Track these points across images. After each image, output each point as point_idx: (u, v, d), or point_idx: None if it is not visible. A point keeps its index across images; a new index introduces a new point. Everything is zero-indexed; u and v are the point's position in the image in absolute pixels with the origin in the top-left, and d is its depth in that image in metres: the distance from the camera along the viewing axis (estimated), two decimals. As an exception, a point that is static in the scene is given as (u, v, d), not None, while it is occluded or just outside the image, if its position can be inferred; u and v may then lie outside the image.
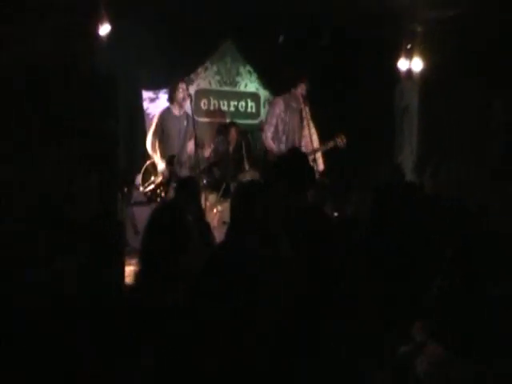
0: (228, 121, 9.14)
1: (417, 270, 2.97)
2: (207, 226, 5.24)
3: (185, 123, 7.33)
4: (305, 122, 7.51)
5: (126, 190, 7.25)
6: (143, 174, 7.36)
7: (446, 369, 1.94)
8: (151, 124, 7.79)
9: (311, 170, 5.28)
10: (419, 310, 2.56)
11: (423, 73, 8.91)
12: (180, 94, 7.34)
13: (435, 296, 2.58)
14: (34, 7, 3.84)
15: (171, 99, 7.49)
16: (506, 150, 7.82)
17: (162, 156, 7.25)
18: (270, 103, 8.46)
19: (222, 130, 8.64)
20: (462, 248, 2.77)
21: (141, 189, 7.31)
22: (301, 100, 7.48)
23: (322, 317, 2.43)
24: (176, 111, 7.40)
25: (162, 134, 7.34)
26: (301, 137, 7.55)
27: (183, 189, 5.33)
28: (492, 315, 2.41)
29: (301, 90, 7.47)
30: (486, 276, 2.59)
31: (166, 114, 7.43)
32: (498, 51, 7.73)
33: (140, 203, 7.33)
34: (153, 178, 7.23)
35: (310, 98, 7.67)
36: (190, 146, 7.36)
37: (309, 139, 7.46)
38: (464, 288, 2.58)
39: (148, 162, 7.43)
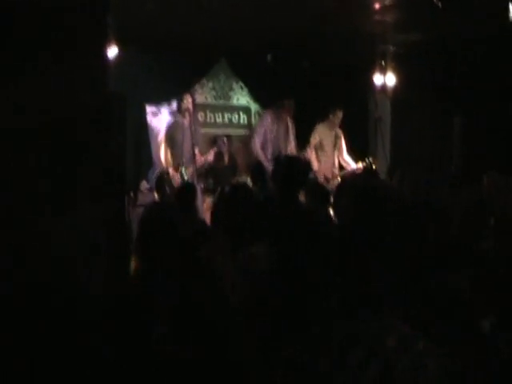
0: (222, 132, 9.36)
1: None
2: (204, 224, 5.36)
3: (193, 130, 7.42)
4: (290, 137, 7.69)
5: (132, 194, 7.41)
6: (158, 182, 7.43)
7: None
8: (156, 136, 7.95)
9: (302, 173, 5.18)
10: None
11: (395, 87, 9.10)
12: (186, 104, 7.44)
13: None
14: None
15: (179, 109, 7.59)
16: (464, 159, 8.09)
17: (175, 166, 7.39)
18: (261, 115, 8.63)
19: (218, 140, 8.85)
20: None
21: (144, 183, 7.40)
22: (287, 114, 7.65)
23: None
24: (184, 120, 7.47)
25: (171, 142, 7.46)
26: (286, 146, 7.71)
27: (181, 193, 5.44)
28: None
29: (288, 105, 7.63)
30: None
31: (174, 124, 7.56)
32: (458, 72, 7.97)
33: (144, 206, 7.46)
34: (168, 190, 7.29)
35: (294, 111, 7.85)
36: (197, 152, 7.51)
37: (293, 148, 7.72)
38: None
39: (159, 173, 7.57)
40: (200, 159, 7.51)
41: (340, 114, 8.25)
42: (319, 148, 8.01)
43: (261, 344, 2.21)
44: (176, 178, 7.24)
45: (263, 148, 7.73)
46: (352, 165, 8.36)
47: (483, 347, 2.44)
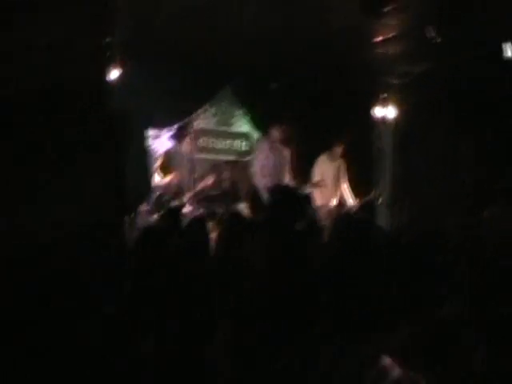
0: (223, 158, 9.41)
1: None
2: None
3: (193, 156, 7.50)
4: (285, 162, 7.70)
5: (132, 216, 7.43)
6: (156, 202, 7.47)
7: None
8: (157, 159, 7.97)
9: (300, 204, 5.21)
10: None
11: (397, 119, 9.15)
12: (186, 130, 7.40)
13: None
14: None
15: (180, 134, 7.60)
16: (472, 187, 8.08)
17: (170, 191, 7.34)
18: (258, 144, 8.66)
19: (218, 167, 8.92)
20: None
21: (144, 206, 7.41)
22: (279, 142, 7.68)
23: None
24: (184, 145, 7.43)
25: (169, 166, 7.44)
26: (284, 174, 7.71)
27: (169, 216, 5.44)
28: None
29: (274, 133, 7.65)
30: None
31: (173, 149, 7.51)
32: (461, 101, 8.02)
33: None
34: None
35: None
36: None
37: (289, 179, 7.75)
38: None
39: (158, 193, 7.55)
40: (199, 184, 7.48)
41: (341, 147, 8.25)
42: (321, 183, 8.02)
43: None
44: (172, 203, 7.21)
45: (262, 176, 7.72)
46: (349, 199, 8.37)
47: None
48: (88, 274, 3.27)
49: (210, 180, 7.53)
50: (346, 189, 8.45)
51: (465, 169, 8.36)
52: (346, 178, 8.45)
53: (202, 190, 7.65)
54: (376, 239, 3.58)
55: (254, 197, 7.40)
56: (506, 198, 5.77)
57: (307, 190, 7.86)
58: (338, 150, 8.25)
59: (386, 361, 1.88)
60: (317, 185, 7.89)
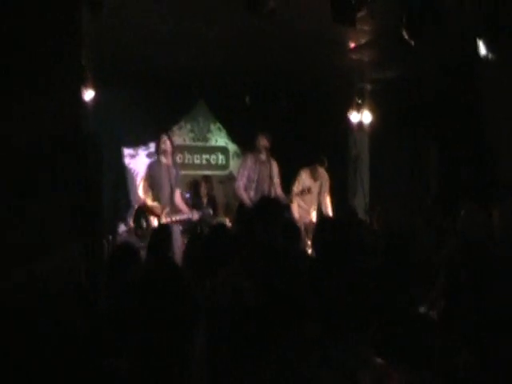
0: (200, 173, 9.33)
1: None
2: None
3: (174, 172, 7.13)
4: (273, 174, 7.59)
5: (110, 237, 7.28)
6: (135, 216, 7.27)
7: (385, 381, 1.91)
8: (134, 178, 7.85)
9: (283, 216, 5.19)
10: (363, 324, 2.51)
11: (372, 124, 9.15)
12: (164, 146, 7.10)
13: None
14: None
15: (157, 151, 7.38)
16: (441, 188, 8.13)
17: (152, 209, 7.17)
18: (242, 157, 8.51)
19: (195, 183, 8.80)
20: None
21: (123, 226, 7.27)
22: (265, 152, 7.56)
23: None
24: (163, 161, 7.23)
25: (151, 183, 7.15)
26: (270, 186, 7.60)
27: (156, 235, 5.31)
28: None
29: (262, 141, 7.55)
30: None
31: (154, 164, 7.33)
32: (433, 106, 8.06)
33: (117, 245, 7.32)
34: (144, 223, 7.13)
35: (274, 150, 7.79)
36: (177, 194, 7.28)
37: (279, 190, 7.66)
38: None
39: (137, 206, 7.40)
40: (180, 203, 7.30)
41: (323, 167, 8.15)
42: (300, 196, 7.92)
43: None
44: (151, 218, 7.04)
45: (246, 190, 7.61)
46: (329, 211, 8.30)
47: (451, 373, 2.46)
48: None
49: (195, 216, 7.30)
50: (327, 203, 8.35)
51: (434, 172, 8.42)
52: (328, 192, 8.36)
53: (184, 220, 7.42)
54: (357, 241, 3.65)
55: (239, 211, 7.31)
56: (475, 198, 5.82)
57: (292, 200, 7.77)
58: (321, 169, 8.13)
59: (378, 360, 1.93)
60: (301, 194, 7.80)
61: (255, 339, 2.62)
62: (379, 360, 1.92)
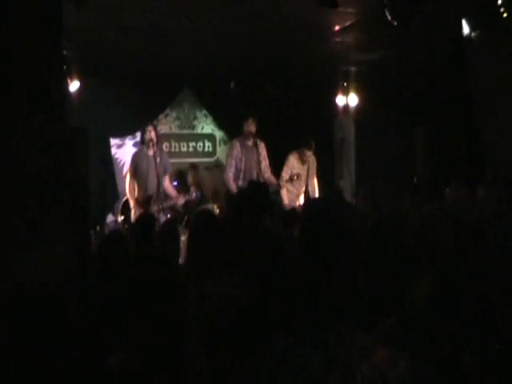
0: (187, 161, 9.31)
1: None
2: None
3: (158, 160, 7.08)
4: (261, 158, 7.57)
5: (98, 227, 7.25)
6: (122, 209, 7.28)
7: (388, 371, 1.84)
8: (121, 168, 7.78)
9: (267, 199, 5.10)
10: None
11: (358, 107, 9.13)
12: (149, 135, 7.10)
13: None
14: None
15: (142, 141, 7.32)
16: (426, 169, 8.16)
17: (138, 199, 7.19)
18: (229, 146, 8.46)
19: (182, 171, 8.77)
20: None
21: (119, 218, 7.25)
22: (252, 137, 7.52)
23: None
24: (148, 151, 7.18)
25: (136, 173, 7.18)
26: (259, 172, 7.56)
27: (141, 224, 5.28)
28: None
29: (249, 127, 7.52)
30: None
31: (139, 154, 7.30)
32: (418, 87, 8.06)
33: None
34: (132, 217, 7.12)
35: (261, 134, 7.76)
36: (166, 180, 7.30)
37: (268, 174, 7.66)
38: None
39: (125, 198, 7.37)
40: (168, 187, 7.28)
41: (311, 149, 8.12)
42: (289, 181, 7.91)
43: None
44: (137, 211, 7.01)
45: (236, 178, 7.58)
46: (316, 194, 8.31)
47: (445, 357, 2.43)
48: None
49: (181, 200, 7.28)
50: (314, 186, 8.37)
51: (421, 154, 8.45)
52: (315, 175, 8.37)
53: (171, 206, 7.39)
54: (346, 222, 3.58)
55: (227, 198, 7.29)
56: (461, 177, 5.85)
57: (281, 185, 7.75)
58: (308, 153, 8.11)
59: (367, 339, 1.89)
60: (290, 181, 7.79)
61: (251, 335, 2.61)
62: (380, 353, 1.84)
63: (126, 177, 7.50)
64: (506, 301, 2.75)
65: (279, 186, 7.73)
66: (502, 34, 5.96)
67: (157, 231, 4.94)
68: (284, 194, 7.99)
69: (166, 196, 7.17)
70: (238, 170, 7.60)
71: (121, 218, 7.22)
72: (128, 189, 7.19)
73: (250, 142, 7.55)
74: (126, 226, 6.98)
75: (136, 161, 7.21)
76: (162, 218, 6.69)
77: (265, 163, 7.67)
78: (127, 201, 7.21)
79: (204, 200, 8.26)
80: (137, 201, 7.10)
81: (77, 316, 2.69)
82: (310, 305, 1.95)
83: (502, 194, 5.16)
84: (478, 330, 2.56)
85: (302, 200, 8.20)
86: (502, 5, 5.56)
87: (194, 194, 7.40)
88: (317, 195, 8.31)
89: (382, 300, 2.77)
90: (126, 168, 8.11)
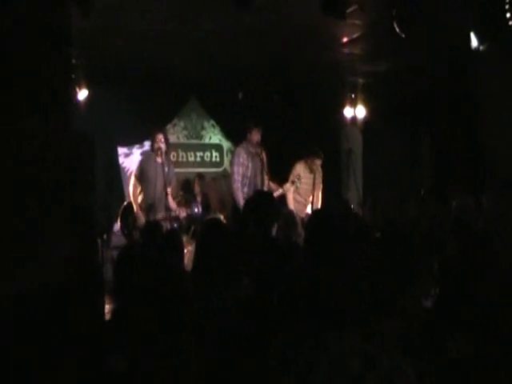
0: (194, 170, 9.31)
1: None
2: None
3: (166, 169, 7.01)
4: (265, 166, 7.57)
5: (105, 236, 7.22)
6: (122, 214, 7.30)
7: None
8: (129, 177, 7.76)
9: (275, 206, 4.97)
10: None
11: (365, 118, 9.13)
12: (158, 144, 7.08)
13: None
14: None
15: (152, 149, 7.30)
16: (432, 179, 8.14)
17: (141, 205, 7.17)
18: (233, 154, 8.47)
19: (189, 181, 8.78)
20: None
21: (118, 225, 7.24)
22: (257, 146, 7.52)
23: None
24: (157, 158, 7.13)
25: (143, 178, 7.15)
26: (263, 179, 7.56)
27: (148, 233, 5.27)
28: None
29: (255, 135, 7.51)
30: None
31: (147, 160, 7.27)
32: (425, 97, 8.05)
33: (119, 247, 7.29)
34: (131, 222, 7.11)
35: (266, 144, 7.75)
36: (169, 191, 7.21)
37: (268, 181, 7.65)
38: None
39: (125, 202, 7.37)
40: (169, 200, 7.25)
41: (319, 160, 8.12)
42: (292, 185, 7.89)
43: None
44: (140, 216, 7.01)
45: (242, 186, 7.56)
46: (319, 204, 8.29)
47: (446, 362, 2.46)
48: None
49: (182, 213, 7.27)
50: (319, 196, 8.34)
51: (427, 165, 8.44)
52: (321, 185, 8.34)
53: (176, 216, 7.37)
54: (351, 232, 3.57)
55: (233, 208, 7.30)
56: (466, 187, 5.84)
57: (284, 190, 7.74)
58: (317, 162, 8.10)
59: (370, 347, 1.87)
60: (292, 184, 7.77)
61: (254, 338, 2.60)
62: (386, 360, 1.83)
63: (130, 182, 7.50)
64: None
65: (281, 189, 7.71)
66: (510, 46, 5.96)
67: (159, 239, 4.93)
68: (290, 202, 7.96)
69: (168, 207, 7.15)
70: (243, 178, 7.59)
71: (120, 224, 7.18)
72: (132, 192, 7.17)
73: (254, 150, 7.56)
74: (126, 231, 6.97)
75: (143, 166, 7.18)
76: (167, 227, 6.67)
77: (266, 171, 7.69)
78: (129, 205, 7.18)
79: (210, 210, 8.25)
80: (140, 207, 7.09)
81: (77, 316, 2.70)
82: (312, 306, 1.94)
83: (503, 194, 5.15)
84: (478, 331, 2.56)
85: (309, 209, 8.17)
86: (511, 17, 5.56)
87: (195, 210, 7.41)
88: (319, 205, 8.28)
89: (384, 303, 2.75)
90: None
